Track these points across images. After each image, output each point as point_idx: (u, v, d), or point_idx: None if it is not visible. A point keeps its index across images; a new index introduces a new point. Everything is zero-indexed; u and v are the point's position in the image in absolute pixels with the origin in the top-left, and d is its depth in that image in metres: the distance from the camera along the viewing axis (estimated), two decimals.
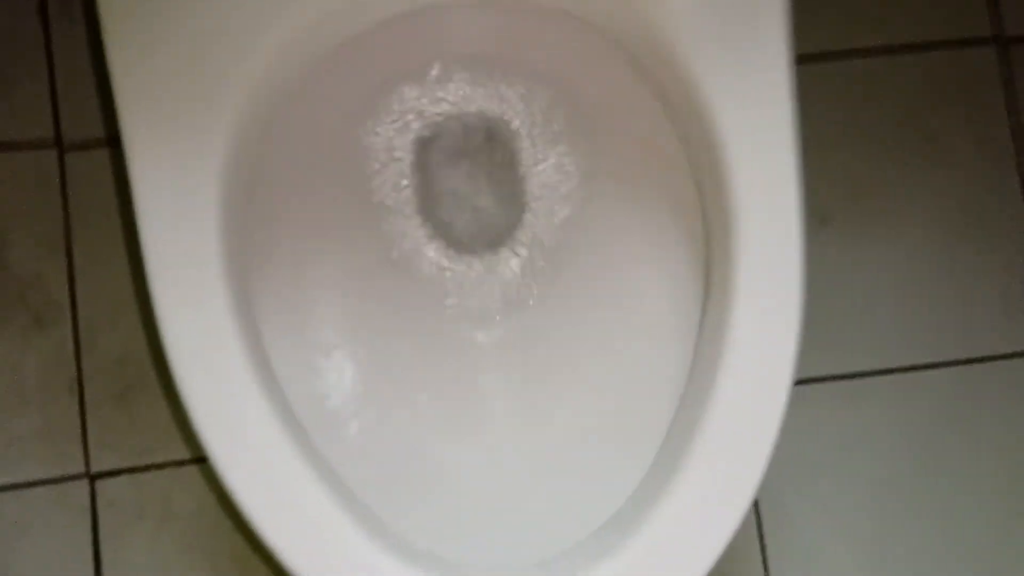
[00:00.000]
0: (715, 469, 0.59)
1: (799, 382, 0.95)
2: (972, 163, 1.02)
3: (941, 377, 0.98)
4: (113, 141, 0.97)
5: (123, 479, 0.93)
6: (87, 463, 0.93)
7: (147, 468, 0.94)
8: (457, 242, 0.74)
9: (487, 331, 0.73)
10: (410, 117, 0.74)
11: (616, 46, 0.68)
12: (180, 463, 0.94)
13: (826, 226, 0.99)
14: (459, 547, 0.62)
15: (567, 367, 0.72)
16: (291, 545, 0.59)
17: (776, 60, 0.63)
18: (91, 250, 0.97)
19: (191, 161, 0.61)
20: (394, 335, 0.72)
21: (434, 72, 0.72)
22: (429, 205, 0.75)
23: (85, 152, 0.98)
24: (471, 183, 0.75)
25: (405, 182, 0.74)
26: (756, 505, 0.96)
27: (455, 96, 0.74)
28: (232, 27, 0.61)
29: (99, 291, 0.96)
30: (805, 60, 0.99)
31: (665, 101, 0.67)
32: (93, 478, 0.93)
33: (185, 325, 0.61)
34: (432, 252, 0.74)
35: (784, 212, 0.63)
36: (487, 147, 0.75)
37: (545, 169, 0.75)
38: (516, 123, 0.74)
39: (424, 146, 0.75)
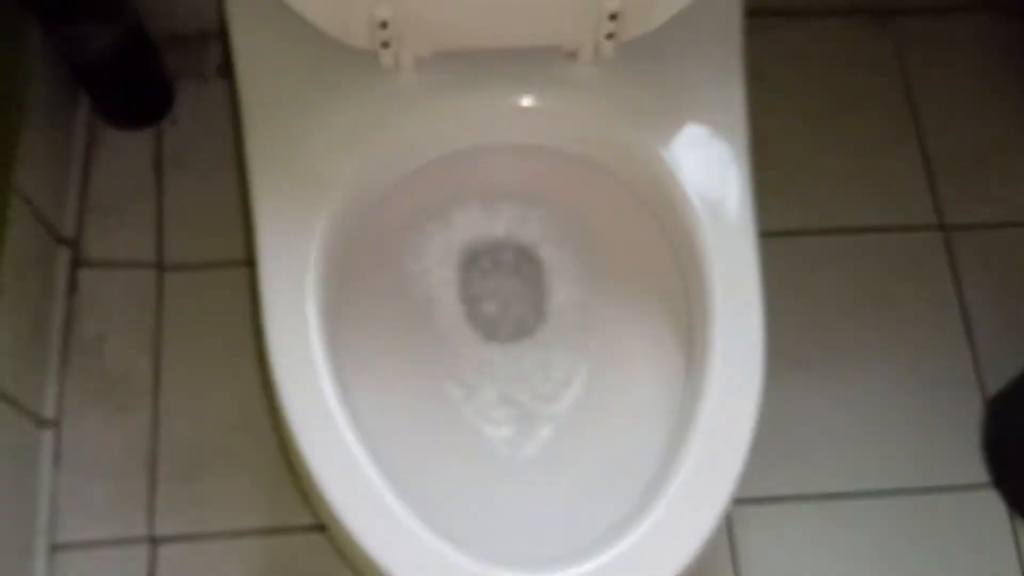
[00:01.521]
0: (682, 510, 0.74)
1: (778, 499, 1.11)
2: (924, 326, 1.20)
3: (899, 502, 1.12)
4: (201, 267, 1.18)
5: (181, 546, 1.06)
6: (151, 527, 1.07)
7: (203, 537, 1.06)
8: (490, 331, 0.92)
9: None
10: (459, 237, 0.94)
11: (625, 185, 0.88)
12: (234, 535, 1.07)
13: (801, 368, 1.17)
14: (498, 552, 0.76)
15: (576, 432, 0.87)
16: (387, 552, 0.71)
17: (741, 201, 0.82)
18: (176, 354, 1.14)
19: (301, 244, 0.79)
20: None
21: (476, 200, 0.93)
22: (469, 306, 0.93)
23: (178, 273, 1.18)
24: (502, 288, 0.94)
25: (454, 287, 0.92)
26: None
27: (492, 222, 0.94)
28: (336, 152, 0.82)
29: (178, 387, 1.13)
30: (784, 234, 1.23)
31: (659, 222, 0.87)
32: (155, 542, 1.06)
33: (296, 380, 0.75)
34: (470, 341, 0.92)
35: (750, 319, 0.80)
36: (516, 264, 0.94)
37: (563, 284, 0.93)
38: (539, 244, 0.93)
39: (467, 261, 0.94)
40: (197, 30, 1.27)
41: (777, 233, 1.22)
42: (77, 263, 1.17)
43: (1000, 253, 1.24)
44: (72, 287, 1.16)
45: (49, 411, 1.09)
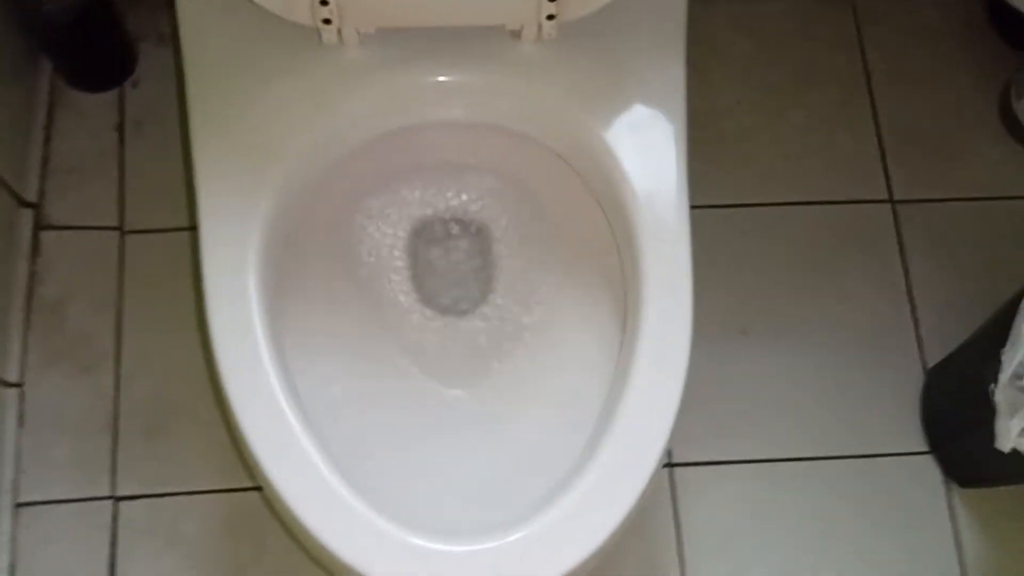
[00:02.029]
0: (619, 462, 0.77)
1: (722, 463, 1.15)
2: (869, 298, 1.23)
3: (839, 467, 1.16)
4: (162, 230, 1.20)
5: (141, 503, 1.10)
6: (113, 487, 1.10)
7: (163, 496, 1.10)
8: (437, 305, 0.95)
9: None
10: (405, 211, 0.96)
11: (565, 161, 0.91)
12: (191, 493, 1.10)
13: (745, 336, 1.20)
14: (435, 517, 0.79)
15: (520, 390, 0.91)
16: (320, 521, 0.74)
17: (677, 181, 0.85)
18: (136, 314, 1.17)
19: (243, 216, 0.81)
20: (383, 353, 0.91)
21: (421, 174, 0.96)
22: (417, 277, 0.95)
23: (139, 236, 1.20)
24: (449, 259, 0.96)
25: (400, 258, 0.95)
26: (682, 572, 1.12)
27: (439, 196, 0.97)
28: (279, 127, 0.84)
29: (139, 348, 1.15)
30: (737, 206, 1.25)
31: (598, 198, 0.89)
32: (115, 500, 1.10)
33: (232, 346, 0.78)
34: (417, 311, 0.94)
35: (680, 296, 0.83)
36: (462, 237, 0.97)
37: (508, 254, 0.96)
38: (484, 214, 0.96)
39: (413, 234, 0.97)
40: None
41: (727, 205, 1.25)
42: (40, 226, 1.19)
43: (947, 229, 1.26)
44: (35, 250, 1.18)
45: (12, 373, 1.12)
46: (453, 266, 0.98)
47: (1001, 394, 0.90)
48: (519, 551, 0.75)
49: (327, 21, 0.80)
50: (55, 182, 1.21)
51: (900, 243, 1.26)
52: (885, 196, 1.28)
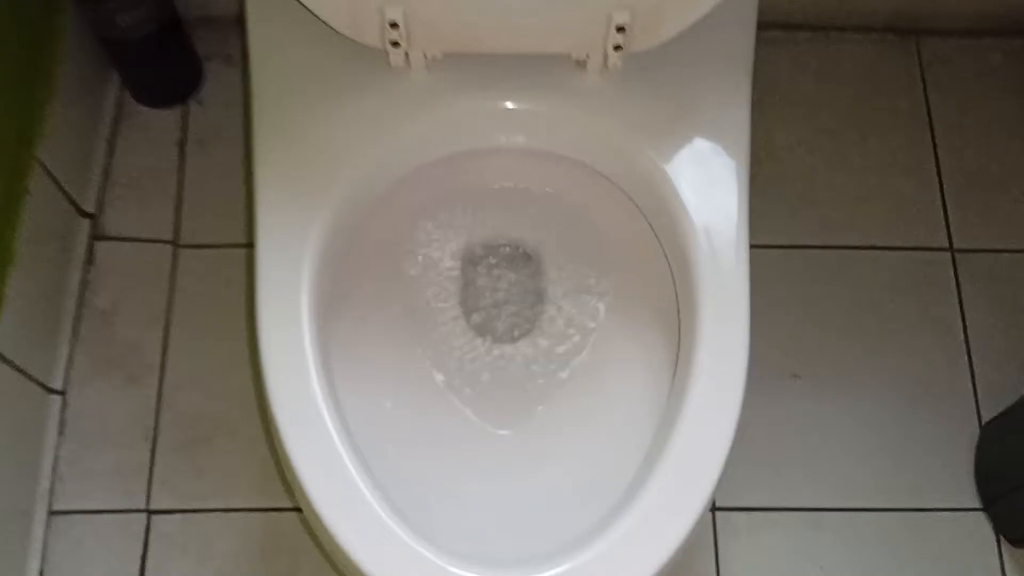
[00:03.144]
0: (667, 501, 0.75)
1: (767, 509, 1.12)
2: (925, 347, 1.21)
3: (887, 520, 1.13)
4: (215, 246, 1.21)
5: (176, 518, 1.09)
6: (148, 500, 1.10)
7: (198, 511, 1.09)
8: (486, 331, 0.94)
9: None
10: (461, 236, 0.96)
11: (625, 194, 0.90)
12: (227, 511, 1.09)
13: (797, 380, 1.18)
14: (477, 548, 0.77)
15: (568, 424, 0.89)
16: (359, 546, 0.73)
17: (737, 220, 0.83)
18: (185, 328, 1.17)
19: (299, 233, 0.81)
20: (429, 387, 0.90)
21: (479, 199, 0.95)
22: (468, 303, 0.95)
23: (193, 251, 1.21)
24: (500, 285, 0.96)
25: (452, 282, 0.94)
26: None
27: (493, 223, 0.96)
28: (341, 146, 0.84)
29: (184, 362, 1.16)
30: (792, 247, 1.24)
31: (656, 231, 0.88)
32: (150, 513, 1.09)
33: (281, 364, 0.78)
34: (467, 337, 0.93)
35: (735, 337, 0.81)
36: (515, 264, 0.96)
37: (560, 281, 0.95)
38: (537, 241, 0.95)
39: (467, 259, 0.96)
40: (229, 13, 1.29)
41: (785, 246, 1.23)
42: (95, 236, 1.20)
43: (1006, 279, 1.24)
44: (89, 259, 1.19)
45: (57, 380, 1.12)
46: (504, 292, 0.98)
47: None
48: None
49: (395, 44, 0.81)
50: (114, 194, 1.22)
51: (958, 292, 1.23)
52: (945, 244, 1.26)
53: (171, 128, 1.26)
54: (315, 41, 0.85)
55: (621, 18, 0.79)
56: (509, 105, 0.87)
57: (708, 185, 0.84)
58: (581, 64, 0.85)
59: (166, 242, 1.21)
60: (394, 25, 0.79)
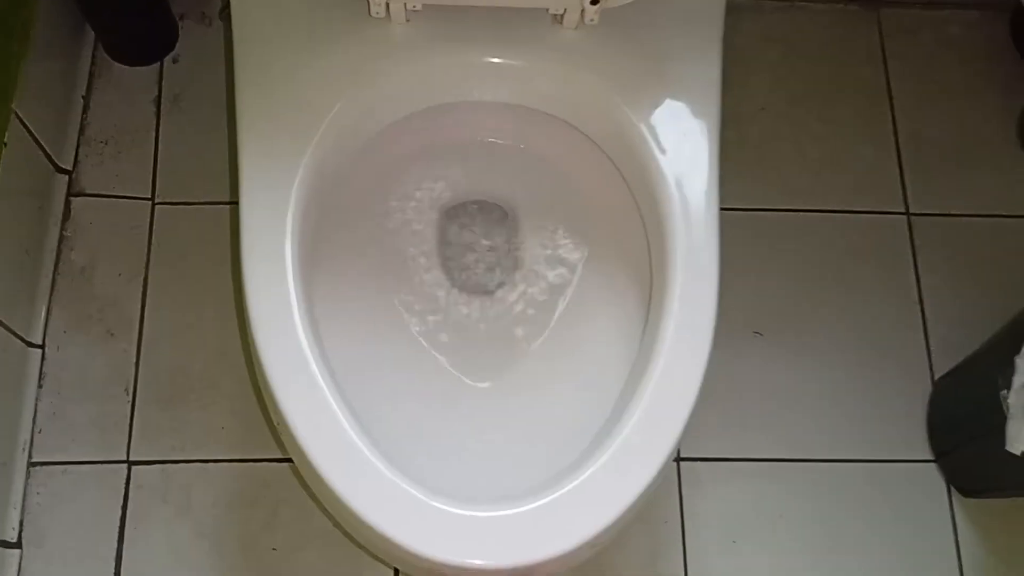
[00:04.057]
0: (636, 443, 0.78)
1: (730, 460, 1.16)
2: (881, 306, 1.25)
3: (844, 471, 1.17)
4: (192, 202, 1.22)
5: (155, 469, 1.11)
6: (128, 451, 1.11)
7: (177, 463, 1.11)
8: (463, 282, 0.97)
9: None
10: (439, 190, 0.98)
11: (599, 147, 0.93)
12: (206, 462, 1.12)
13: (760, 337, 1.22)
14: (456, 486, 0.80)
15: (545, 370, 0.93)
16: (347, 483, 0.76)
17: (708, 175, 0.87)
18: (163, 284, 1.19)
19: (283, 180, 0.83)
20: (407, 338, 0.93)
21: (458, 151, 0.98)
22: (446, 253, 0.97)
23: (170, 207, 1.22)
24: (477, 238, 0.99)
25: (430, 235, 0.97)
26: (685, 565, 1.13)
27: (472, 177, 0.99)
28: (322, 96, 0.86)
29: (163, 316, 1.17)
30: (757, 210, 1.27)
31: (630, 185, 0.91)
32: (131, 464, 1.11)
33: (267, 307, 0.79)
34: (444, 287, 0.96)
35: (705, 289, 0.84)
36: (493, 215, 0.99)
37: (537, 235, 0.98)
38: (514, 194, 0.98)
39: (446, 210, 0.99)
40: None
41: (749, 209, 1.27)
42: (72, 192, 1.21)
43: (961, 243, 1.29)
44: (66, 215, 1.20)
45: (36, 334, 1.14)
46: (482, 244, 1.00)
47: (1014, 397, 0.92)
48: (534, 520, 0.77)
49: None
50: (90, 150, 1.23)
51: (914, 255, 1.28)
52: (902, 208, 1.30)
53: (147, 85, 1.27)
54: None
55: None
56: (487, 58, 0.89)
57: (680, 139, 0.87)
58: (558, 19, 0.88)
59: (143, 199, 1.22)
60: None
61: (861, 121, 1.34)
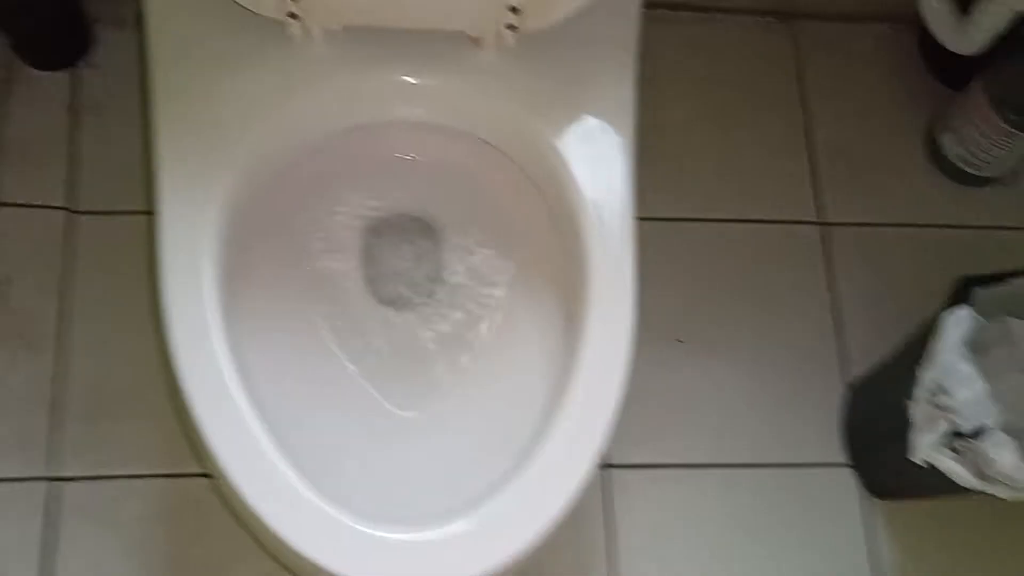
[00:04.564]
0: (558, 459, 0.80)
1: (655, 466, 1.19)
2: (796, 314, 1.29)
3: (763, 475, 1.21)
4: (112, 213, 1.20)
5: (79, 485, 1.10)
6: (48, 467, 1.10)
7: (101, 479, 1.10)
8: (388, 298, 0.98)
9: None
10: (361, 207, 0.99)
11: (517, 166, 0.95)
12: (132, 477, 1.10)
13: (681, 344, 1.25)
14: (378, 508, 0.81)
15: (467, 391, 0.94)
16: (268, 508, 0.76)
17: (623, 192, 0.89)
18: (85, 297, 1.17)
19: (201, 200, 0.83)
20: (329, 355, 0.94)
21: (376, 174, 0.99)
22: (369, 271, 0.98)
23: (89, 217, 1.20)
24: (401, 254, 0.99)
25: (353, 252, 0.97)
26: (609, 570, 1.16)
27: (394, 194, 1.00)
28: (241, 116, 0.86)
29: (84, 330, 1.15)
30: (678, 220, 1.30)
31: (548, 203, 0.93)
32: (51, 480, 1.09)
33: (186, 330, 0.79)
34: (369, 306, 0.97)
35: (622, 304, 0.87)
36: (415, 233, 1.00)
37: (459, 251, 0.99)
38: (436, 212, 0.99)
39: (370, 226, 0.99)
40: None
41: (668, 219, 1.30)
42: None
43: (873, 252, 1.33)
44: None
45: None
46: (404, 261, 1.01)
47: (916, 409, 0.96)
48: (457, 541, 0.78)
49: (293, 16, 0.83)
50: (4, 159, 1.20)
51: (828, 264, 1.32)
52: (815, 218, 1.34)
53: (62, 92, 1.25)
54: (213, 9, 0.87)
55: None
56: (404, 79, 0.90)
57: (596, 159, 0.89)
58: (477, 42, 0.89)
59: (60, 208, 1.20)
60: None
61: (778, 132, 1.38)
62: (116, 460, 1.11)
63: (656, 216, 1.29)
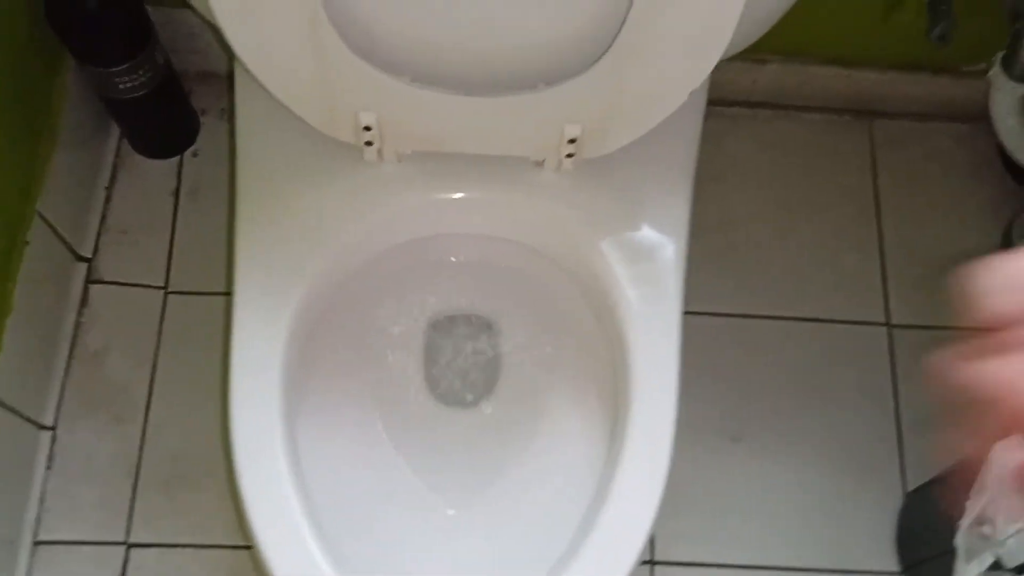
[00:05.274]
0: (599, 557, 0.84)
1: (702, 565, 1.20)
2: (857, 416, 1.29)
3: None
4: (203, 293, 1.29)
5: (152, 551, 1.17)
6: (127, 533, 1.18)
7: (174, 546, 1.18)
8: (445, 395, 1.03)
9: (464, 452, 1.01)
10: (420, 310, 1.04)
11: (570, 277, 0.99)
12: (200, 547, 1.18)
13: (737, 443, 1.26)
14: None
15: (513, 496, 0.98)
16: None
17: (671, 304, 0.92)
18: (171, 371, 1.25)
19: (274, 304, 0.89)
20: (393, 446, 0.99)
21: (440, 279, 1.04)
22: (430, 369, 1.03)
23: (182, 296, 1.29)
24: (461, 353, 1.05)
25: (415, 354, 1.03)
26: None
27: (456, 296, 1.05)
28: (318, 224, 0.92)
29: (169, 403, 1.24)
30: (741, 316, 1.32)
31: (596, 315, 0.97)
32: (129, 546, 1.17)
33: (247, 427, 0.86)
34: (426, 399, 1.02)
35: (664, 418, 0.90)
36: (474, 331, 1.05)
37: (513, 350, 1.04)
38: (494, 316, 1.04)
39: (430, 332, 1.05)
40: (224, 69, 1.38)
41: (732, 314, 1.32)
42: (90, 280, 1.28)
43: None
44: (83, 302, 1.27)
45: (48, 417, 1.21)
46: (464, 361, 1.06)
47: (962, 538, 0.95)
48: None
49: (369, 143, 0.89)
50: (110, 239, 1.31)
51: (892, 366, 1.32)
52: (883, 319, 1.34)
53: (167, 178, 1.35)
54: (296, 126, 0.93)
55: (572, 132, 0.87)
56: (470, 195, 0.95)
57: (648, 278, 0.93)
58: (538, 164, 0.94)
59: (157, 287, 1.29)
60: (367, 128, 0.87)
61: (848, 230, 1.39)
62: (186, 530, 1.18)
63: (719, 312, 1.31)
